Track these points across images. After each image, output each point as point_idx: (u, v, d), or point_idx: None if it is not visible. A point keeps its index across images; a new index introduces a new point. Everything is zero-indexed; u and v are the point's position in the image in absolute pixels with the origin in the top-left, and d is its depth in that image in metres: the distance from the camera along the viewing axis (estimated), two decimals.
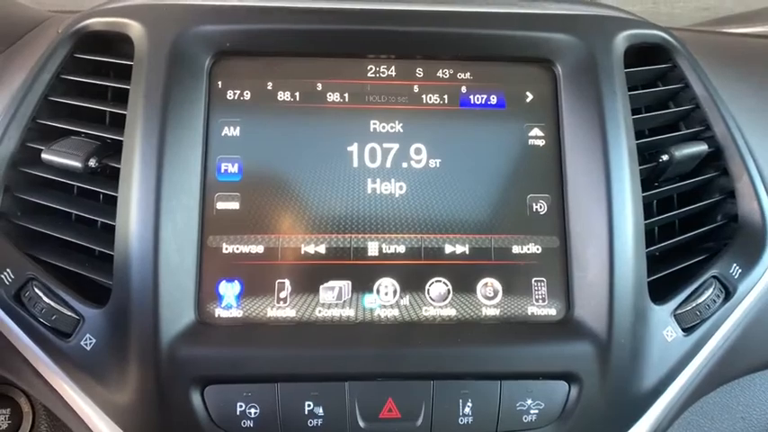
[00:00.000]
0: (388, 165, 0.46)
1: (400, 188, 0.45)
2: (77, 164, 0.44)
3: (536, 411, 0.42)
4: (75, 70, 0.47)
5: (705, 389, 0.48)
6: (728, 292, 0.46)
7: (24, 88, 0.46)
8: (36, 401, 0.52)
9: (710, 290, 0.45)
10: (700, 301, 0.45)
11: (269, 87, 0.46)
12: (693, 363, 0.45)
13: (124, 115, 0.44)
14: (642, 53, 0.50)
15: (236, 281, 0.43)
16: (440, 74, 0.47)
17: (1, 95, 0.46)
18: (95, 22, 0.47)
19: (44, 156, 0.44)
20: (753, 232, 0.48)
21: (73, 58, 0.47)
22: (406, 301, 0.44)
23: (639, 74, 0.49)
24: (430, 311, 0.44)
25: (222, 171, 0.45)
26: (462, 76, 0.47)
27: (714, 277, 0.46)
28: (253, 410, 0.41)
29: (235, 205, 0.44)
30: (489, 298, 0.44)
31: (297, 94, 0.46)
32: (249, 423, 0.41)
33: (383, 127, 0.46)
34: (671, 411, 0.45)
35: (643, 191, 0.45)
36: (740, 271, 0.46)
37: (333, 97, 0.46)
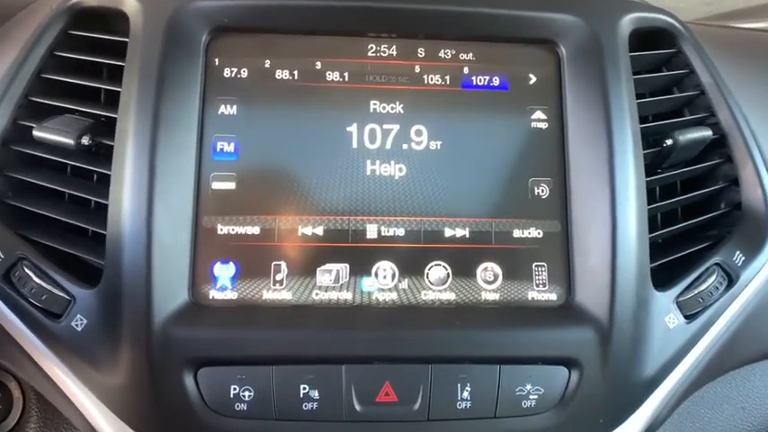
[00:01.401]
0: (388, 146, 0.45)
1: (400, 170, 0.44)
2: (69, 141, 0.42)
3: (535, 397, 0.41)
4: (68, 47, 0.46)
5: (706, 378, 0.47)
6: (731, 280, 0.45)
7: (17, 65, 0.45)
8: (27, 386, 0.51)
9: (713, 277, 0.45)
10: (702, 288, 0.44)
11: (267, 65, 0.45)
12: (695, 351, 0.44)
13: (119, 93, 0.43)
14: (647, 38, 0.49)
15: (231, 262, 0.42)
16: (442, 54, 0.46)
17: None
18: None
19: (36, 133, 0.43)
20: (756, 220, 0.47)
21: (67, 35, 0.46)
22: (404, 284, 0.43)
23: (644, 58, 0.48)
24: (429, 295, 0.43)
25: (218, 150, 0.44)
26: (465, 56, 0.46)
27: (717, 265, 0.45)
28: (247, 393, 0.40)
29: (231, 185, 0.43)
30: (489, 282, 0.44)
31: (295, 72, 0.45)
32: (243, 406, 0.40)
33: (383, 107, 0.45)
34: (671, 399, 0.45)
35: (646, 176, 0.44)
36: (743, 259, 0.46)
37: (332, 76, 0.45)
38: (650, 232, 0.44)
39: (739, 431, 0.53)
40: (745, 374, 0.53)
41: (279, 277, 0.43)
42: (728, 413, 0.53)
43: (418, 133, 0.45)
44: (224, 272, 0.42)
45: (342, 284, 0.43)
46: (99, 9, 0.46)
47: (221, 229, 0.43)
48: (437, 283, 0.43)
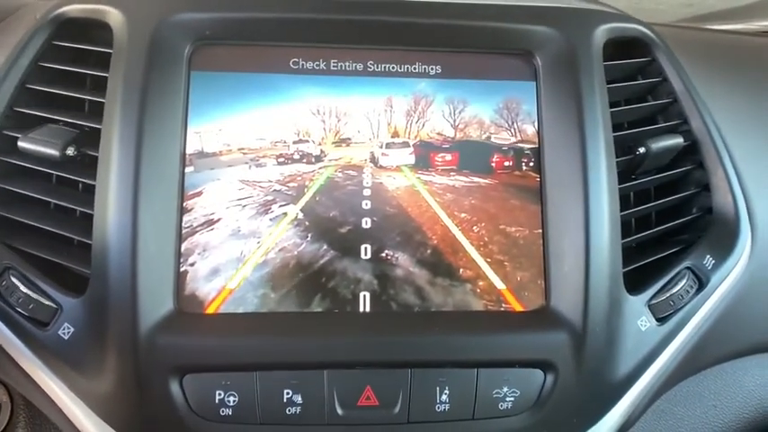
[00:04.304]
0: None
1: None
2: (55, 152, 0.43)
3: (512, 399, 0.42)
4: (53, 57, 0.47)
5: (678, 377, 0.49)
6: (701, 283, 0.47)
7: (1, 75, 0.45)
8: (14, 392, 0.51)
9: (684, 281, 0.46)
10: (673, 291, 0.46)
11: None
12: (666, 352, 0.46)
13: (103, 103, 0.43)
14: (622, 47, 0.50)
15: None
16: (417, 64, 0.47)
17: None
18: (73, 8, 0.46)
19: (21, 144, 0.44)
20: (726, 225, 0.49)
21: (51, 45, 0.47)
22: (385, 291, 0.44)
23: (618, 67, 0.50)
24: (409, 301, 0.44)
25: None
26: (439, 67, 0.47)
27: (688, 268, 0.47)
28: (231, 399, 0.41)
29: None
30: None
31: None
32: (228, 411, 0.41)
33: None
34: (644, 399, 0.46)
35: (620, 183, 0.46)
36: (713, 262, 0.47)
37: None
38: (624, 237, 0.45)
39: (711, 428, 0.55)
40: (716, 373, 0.55)
41: None
42: (700, 411, 0.55)
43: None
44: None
45: None
46: (83, 20, 0.46)
47: None
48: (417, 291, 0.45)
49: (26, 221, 0.44)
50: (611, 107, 0.47)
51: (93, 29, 0.46)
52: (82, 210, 0.43)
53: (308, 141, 0.46)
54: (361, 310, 0.43)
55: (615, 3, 0.53)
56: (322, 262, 0.44)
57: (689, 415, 0.55)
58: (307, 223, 0.44)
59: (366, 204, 0.45)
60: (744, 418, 0.55)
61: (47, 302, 0.41)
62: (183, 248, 0.43)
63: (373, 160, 0.46)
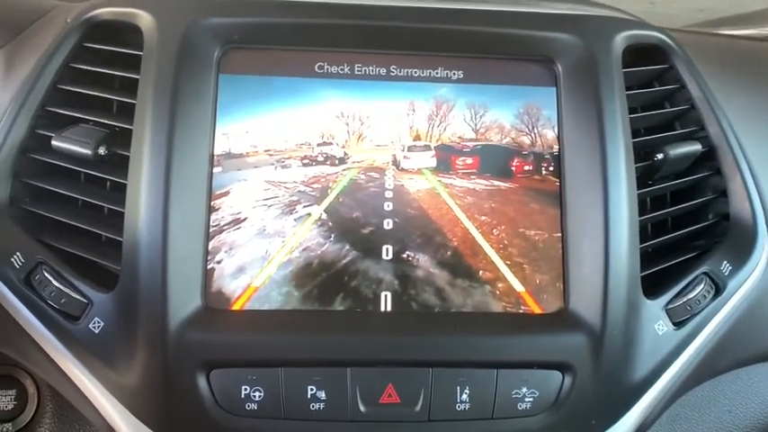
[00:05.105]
0: None
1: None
2: (87, 151, 0.44)
3: (531, 399, 0.43)
4: (84, 59, 0.48)
5: (694, 381, 0.49)
6: (718, 289, 0.47)
7: (34, 76, 0.47)
8: (42, 383, 0.53)
9: (701, 286, 0.47)
10: (690, 296, 0.46)
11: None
12: (683, 356, 0.47)
13: (133, 104, 0.45)
14: (640, 54, 0.51)
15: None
16: (439, 69, 0.48)
17: (11, 83, 0.47)
18: (104, 11, 0.48)
19: (54, 143, 0.45)
20: (743, 231, 0.49)
21: (82, 47, 0.48)
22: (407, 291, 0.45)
23: (637, 74, 0.50)
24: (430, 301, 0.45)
25: None
26: (460, 72, 0.48)
27: (705, 274, 0.47)
28: (257, 394, 0.42)
29: None
30: None
31: None
32: (253, 406, 0.42)
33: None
34: (660, 402, 0.47)
35: (638, 188, 0.46)
36: (730, 268, 0.48)
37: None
38: (641, 242, 0.46)
39: None
40: (732, 379, 0.55)
41: None
42: (715, 415, 0.55)
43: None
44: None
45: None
46: (113, 23, 0.48)
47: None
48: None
49: (58, 218, 0.45)
50: (629, 113, 0.47)
51: (124, 31, 0.47)
52: (111, 207, 0.45)
53: (331, 144, 0.47)
54: (383, 309, 0.44)
55: (628, 7, 0.53)
56: (344, 262, 0.45)
57: (704, 419, 0.55)
58: (330, 224, 0.45)
59: (388, 206, 0.46)
60: (759, 424, 0.56)
61: (78, 297, 0.43)
62: (210, 246, 0.44)
63: (395, 163, 0.47)
